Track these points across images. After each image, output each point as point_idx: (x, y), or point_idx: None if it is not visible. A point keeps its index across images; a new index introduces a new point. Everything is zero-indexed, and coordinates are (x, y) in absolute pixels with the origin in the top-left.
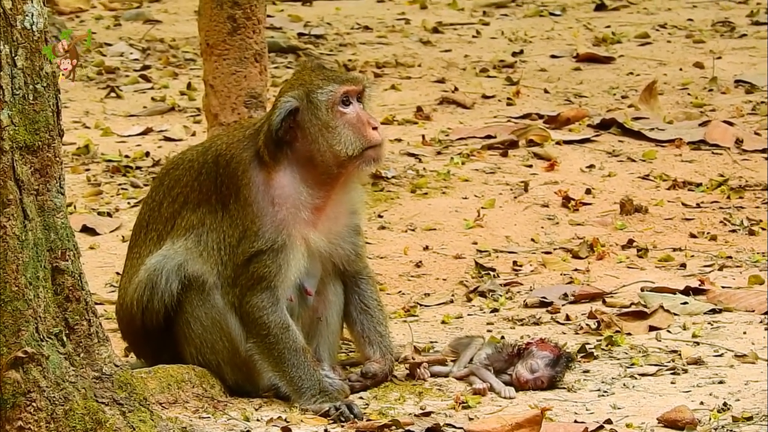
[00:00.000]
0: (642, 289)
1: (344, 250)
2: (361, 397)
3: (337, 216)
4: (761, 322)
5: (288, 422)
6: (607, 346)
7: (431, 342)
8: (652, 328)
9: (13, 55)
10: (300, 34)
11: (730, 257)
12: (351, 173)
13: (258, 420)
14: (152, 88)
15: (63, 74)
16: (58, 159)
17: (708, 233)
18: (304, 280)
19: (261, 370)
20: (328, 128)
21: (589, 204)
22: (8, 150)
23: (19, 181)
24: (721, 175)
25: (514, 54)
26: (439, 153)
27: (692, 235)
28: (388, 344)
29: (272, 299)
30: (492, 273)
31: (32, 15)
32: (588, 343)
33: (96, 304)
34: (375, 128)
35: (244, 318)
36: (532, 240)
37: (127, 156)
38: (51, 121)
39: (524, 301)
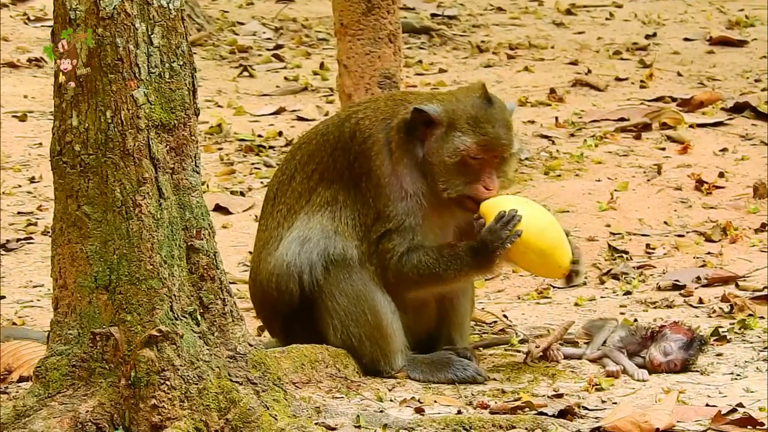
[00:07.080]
0: None
1: None
2: (494, 379)
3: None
4: None
5: (421, 403)
6: (740, 329)
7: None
8: None
9: (150, 33)
10: (433, 15)
11: None
12: (450, 208)
13: (391, 401)
14: (285, 68)
15: (63, 74)
16: (193, 138)
17: None
18: None
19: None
20: (443, 164)
21: (722, 187)
22: (144, 128)
23: (154, 159)
24: None
25: (647, 37)
26: (572, 135)
27: None
28: None
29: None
30: (625, 256)
31: None
32: (721, 327)
33: (230, 283)
34: (488, 189)
35: (396, 278)
36: (665, 223)
37: (260, 135)
38: (187, 100)
39: (657, 284)
